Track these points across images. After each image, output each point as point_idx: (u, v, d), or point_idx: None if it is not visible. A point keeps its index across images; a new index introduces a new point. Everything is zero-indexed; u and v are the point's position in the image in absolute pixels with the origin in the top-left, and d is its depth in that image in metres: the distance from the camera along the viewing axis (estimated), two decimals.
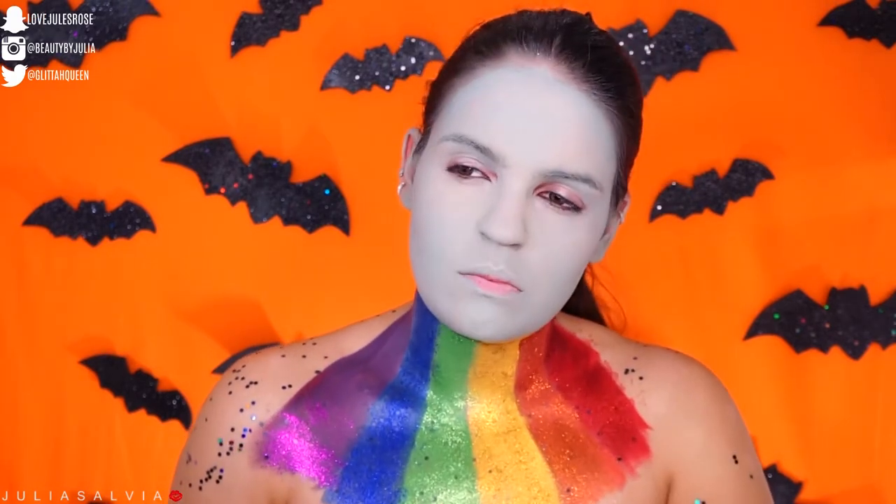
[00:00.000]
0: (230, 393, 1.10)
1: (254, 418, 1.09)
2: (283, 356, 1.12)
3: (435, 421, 1.09)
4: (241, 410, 1.09)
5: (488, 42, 1.03)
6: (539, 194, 0.99)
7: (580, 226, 1.00)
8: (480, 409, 1.09)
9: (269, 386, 1.10)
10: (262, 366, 1.11)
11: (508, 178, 0.97)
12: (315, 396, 1.10)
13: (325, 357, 1.12)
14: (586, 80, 1.00)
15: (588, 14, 1.06)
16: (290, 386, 1.10)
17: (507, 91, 0.99)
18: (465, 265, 0.98)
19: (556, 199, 0.99)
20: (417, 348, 1.09)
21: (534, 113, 0.98)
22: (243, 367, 1.12)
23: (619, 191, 1.06)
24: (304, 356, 1.12)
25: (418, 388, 1.10)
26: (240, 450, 1.09)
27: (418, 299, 1.09)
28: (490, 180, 0.99)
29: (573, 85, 1.00)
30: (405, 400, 1.10)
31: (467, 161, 0.99)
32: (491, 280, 0.98)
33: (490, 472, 1.07)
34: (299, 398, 1.10)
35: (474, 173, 0.99)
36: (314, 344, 1.14)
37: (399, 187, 1.10)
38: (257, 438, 1.09)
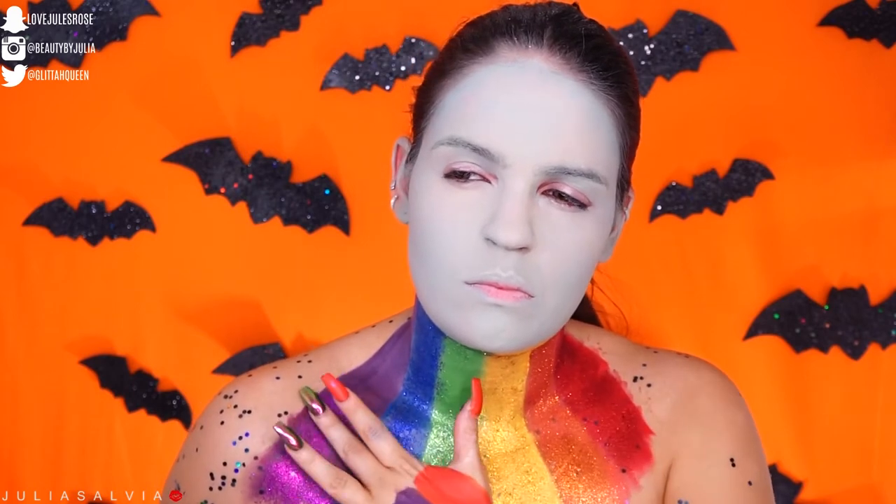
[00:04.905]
0: (222, 423, 1.04)
1: (247, 451, 1.03)
2: (278, 378, 1.06)
3: (442, 443, 1.04)
4: (234, 443, 1.04)
5: (476, 39, 0.98)
6: (542, 193, 0.94)
7: (588, 224, 0.95)
8: (488, 428, 1.04)
9: (264, 414, 1.04)
10: (255, 392, 1.05)
11: (510, 179, 0.93)
12: (313, 421, 1.04)
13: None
14: (582, 69, 0.96)
15: (575, 4, 1.02)
16: (286, 413, 1.04)
17: (500, 86, 0.95)
18: (472, 274, 0.94)
19: (560, 196, 0.95)
20: (419, 367, 1.04)
21: (531, 107, 0.94)
22: (236, 392, 1.06)
23: (624, 185, 1.01)
24: (299, 376, 1.06)
25: (422, 407, 1.05)
26: (233, 485, 1.03)
27: (417, 315, 1.04)
28: (490, 183, 0.94)
29: (569, 75, 0.95)
30: (410, 420, 1.05)
31: (464, 166, 0.94)
32: (500, 288, 0.93)
33: (499, 495, 1.03)
34: (296, 425, 1.04)
35: (472, 177, 0.94)
36: (309, 361, 1.08)
37: (392, 201, 1.06)
38: (251, 473, 1.03)
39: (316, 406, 1.02)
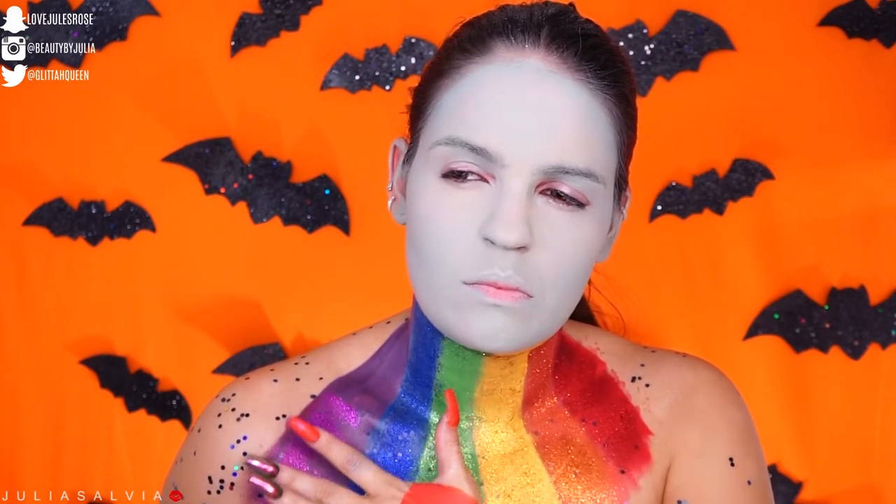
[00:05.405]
0: (220, 427, 1.04)
1: (246, 454, 1.03)
2: (276, 381, 1.06)
3: None
4: (232, 447, 1.03)
5: (473, 39, 0.98)
6: (541, 192, 0.94)
7: (586, 223, 0.95)
8: (486, 430, 1.04)
9: (262, 418, 1.04)
10: (253, 394, 1.05)
11: (508, 179, 0.93)
12: (311, 423, 1.03)
13: (321, 378, 1.06)
14: (580, 68, 0.95)
15: (572, 3, 1.02)
16: (284, 416, 1.04)
17: (497, 86, 0.95)
18: (471, 274, 0.93)
19: (558, 196, 0.94)
20: (417, 368, 1.04)
21: (528, 107, 0.94)
22: (233, 395, 1.05)
23: (621, 184, 1.01)
24: (297, 379, 1.06)
25: (420, 409, 1.04)
26: (231, 489, 1.03)
27: (416, 316, 1.03)
28: (488, 182, 0.94)
29: (567, 74, 0.95)
30: (408, 423, 1.04)
31: (462, 165, 0.94)
32: (499, 287, 0.93)
33: (498, 497, 1.02)
34: (290, 432, 1.03)
35: (470, 177, 0.94)
36: (307, 363, 1.07)
37: (389, 202, 1.06)
38: (250, 476, 1.02)
39: (268, 468, 1.00)
